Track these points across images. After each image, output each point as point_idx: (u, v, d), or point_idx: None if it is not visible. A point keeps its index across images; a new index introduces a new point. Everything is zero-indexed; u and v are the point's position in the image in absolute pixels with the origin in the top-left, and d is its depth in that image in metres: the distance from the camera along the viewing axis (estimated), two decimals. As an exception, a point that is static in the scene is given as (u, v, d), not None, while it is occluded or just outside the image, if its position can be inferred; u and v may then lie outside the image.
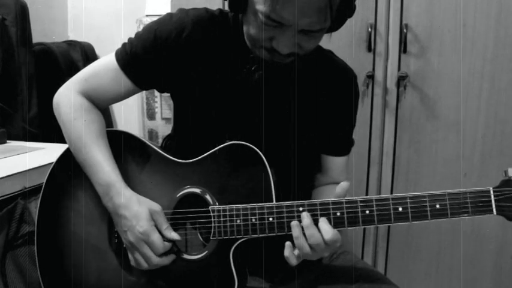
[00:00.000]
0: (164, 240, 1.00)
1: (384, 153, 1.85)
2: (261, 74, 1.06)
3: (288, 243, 0.95)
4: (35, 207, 1.47)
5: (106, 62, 1.10)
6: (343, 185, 0.95)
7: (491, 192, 0.89)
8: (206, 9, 1.09)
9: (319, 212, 0.95)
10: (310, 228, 0.93)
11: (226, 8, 1.00)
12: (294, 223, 0.94)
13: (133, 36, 1.10)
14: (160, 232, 1.00)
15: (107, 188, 1.03)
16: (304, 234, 0.93)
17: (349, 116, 1.20)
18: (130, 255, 1.03)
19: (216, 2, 1.80)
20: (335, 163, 1.21)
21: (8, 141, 1.87)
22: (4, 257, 1.41)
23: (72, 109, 1.09)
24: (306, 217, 0.94)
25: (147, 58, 1.06)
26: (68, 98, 1.10)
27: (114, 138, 1.11)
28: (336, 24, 0.97)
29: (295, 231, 0.94)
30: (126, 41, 1.11)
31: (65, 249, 1.10)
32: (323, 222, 0.93)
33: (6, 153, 1.66)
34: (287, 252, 0.95)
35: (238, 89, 1.09)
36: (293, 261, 0.95)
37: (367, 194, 1.88)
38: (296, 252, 0.95)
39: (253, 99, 1.10)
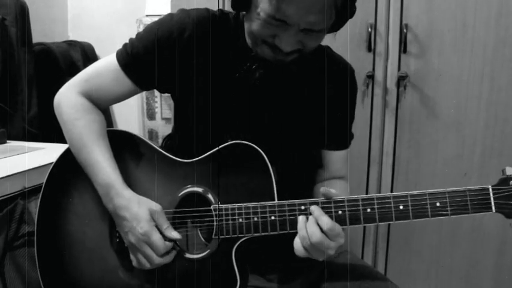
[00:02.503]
0: (165, 240, 1.00)
1: (383, 153, 1.85)
2: (261, 72, 1.06)
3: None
4: (34, 207, 1.47)
5: (107, 62, 1.10)
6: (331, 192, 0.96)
7: (490, 190, 0.91)
8: (207, 10, 1.09)
9: None
10: (311, 226, 0.93)
11: (227, 8, 1.01)
12: (300, 217, 0.95)
13: (134, 36, 1.10)
14: (161, 232, 1.00)
15: (107, 189, 1.03)
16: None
17: (347, 110, 1.20)
18: (132, 256, 1.03)
19: (217, 2, 1.80)
20: (335, 157, 1.21)
21: (8, 141, 1.86)
22: (3, 257, 1.41)
23: (73, 109, 1.09)
24: (315, 209, 0.95)
25: (148, 58, 1.06)
26: (68, 98, 1.10)
27: (116, 137, 1.11)
28: (337, 24, 0.98)
29: (299, 223, 0.95)
30: (127, 41, 1.11)
31: (65, 249, 1.09)
32: (319, 214, 0.94)
33: (6, 153, 1.66)
34: (296, 243, 0.95)
35: (238, 88, 1.09)
36: (301, 253, 0.95)
37: (367, 194, 1.88)
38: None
39: (253, 98, 1.10)
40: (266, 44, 0.98)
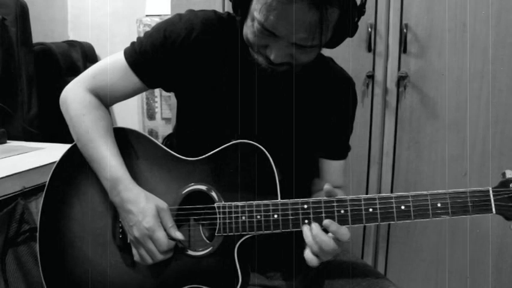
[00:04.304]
0: (168, 239, 1.01)
1: (384, 153, 1.85)
2: (257, 77, 1.06)
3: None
4: (35, 207, 1.47)
5: (115, 60, 1.11)
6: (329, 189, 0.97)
7: (491, 192, 0.92)
8: (214, 12, 1.10)
9: (323, 210, 0.96)
10: (320, 236, 0.94)
11: (226, 8, 1.01)
12: (305, 227, 0.96)
13: (133, 36, 1.11)
14: (165, 230, 1.01)
15: (115, 183, 1.03)
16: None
17: (346, 122, 1.21)
18: (134, 250, 1.04)
19: (217, 2, 1.80)
20: (332, 167, 1.22)
21: (8, 141, 1.87)
22: (4, 255, 1.41)
23: (81, 105, 1.09)
24: (314, 227, 0.95)
25: (156, 57, 1.07)
26: (76, 95, 1.11)
27: (121, 135, 1.11)
28: (333, 41, 0.99)
29: (305, 232, 0.96)
30: (130, 40, 1.12)
31: (68, 246, 1.10)
32: (337, 228, 0.94)
33: (6, 153, 1.66)
34: (307, 254, 0.96)
35: (241, 90, 1.10)
36: (314, 263, 0.95)
37: (367, 194, 1.88)
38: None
39: (252, 102, 1.11)
40: (260, 54, 0.99)
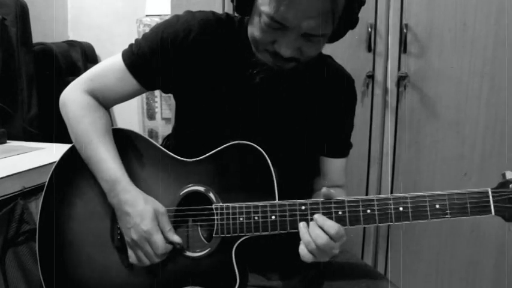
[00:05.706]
0: (166, 242, 1.01)
1: (383, 153, 1.85)
2: (262, 77, 1.06)
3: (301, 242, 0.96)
4: (34, 207, 1.47)
5: (113, 62, 1.11)
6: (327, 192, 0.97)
7: (490, 193, 0.91)
8: (213, 12, 1.10)
9: (321, 211, 0.96)
10: (315, 230, 0.94)
11: (226, 8, 1.00)
12: (301, 224, 0.96)
13: (133, 36, 1.11)
14: (162, 233, 1.01)
15: (113, 185, 1.04)
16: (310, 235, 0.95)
17: (347, 119, 1.21)
18: (130, 252, 1.04)
19: (216, 2, 1.79)
20: (334, 165, 1.22)
21: (8, 141, 1.87)
22: (4, 255, 1.42)
23: (79, 107, 1.10)
24: (311, 223, 0.95)
25: (154, 59, 1.07)
26: (74, 97, 1.11)
27: (120, 136, 1.12)
28: (336, 34, 0.99)
29: (301, 229, 0.96)
30: (128, 41, 1.11)
31: (67, 246, 1.10)
32: (323, 219, 0.94)
33: (6, 153, 1.66)
34: (302, 250, 0.96)
35: (240, 91, 1.10)
36: (308, 258, 0.95)
37: (367, 194, 1.88)
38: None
39: (254, 102, 1.11)
40: (267, 52, 0.99)
